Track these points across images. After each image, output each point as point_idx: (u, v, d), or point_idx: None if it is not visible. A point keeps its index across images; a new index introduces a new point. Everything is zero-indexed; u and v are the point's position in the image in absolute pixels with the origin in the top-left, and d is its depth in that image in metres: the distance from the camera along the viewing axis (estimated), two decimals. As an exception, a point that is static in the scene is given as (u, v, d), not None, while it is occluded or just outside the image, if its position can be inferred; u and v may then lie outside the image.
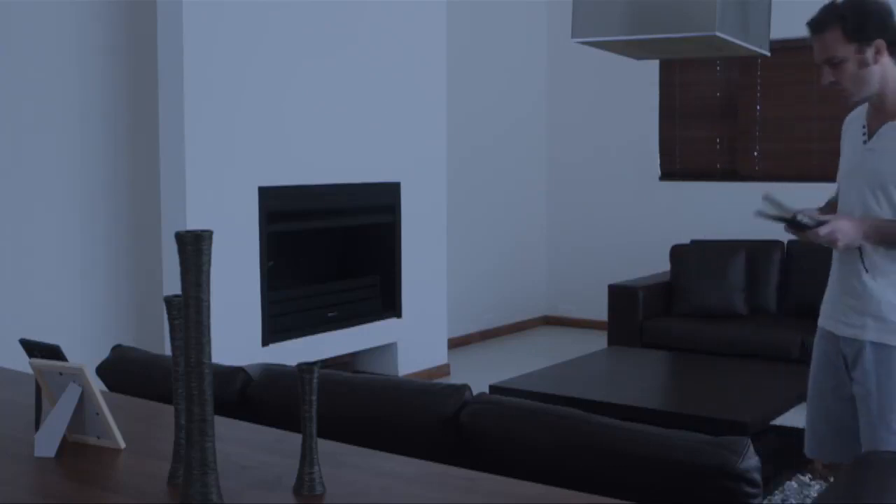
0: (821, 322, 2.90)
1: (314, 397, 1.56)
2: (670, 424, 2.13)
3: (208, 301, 1.36)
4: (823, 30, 2.66)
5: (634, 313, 6.08)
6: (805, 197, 7.33)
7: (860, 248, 2.70)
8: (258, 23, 4.97)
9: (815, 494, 3.96)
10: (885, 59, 2.65)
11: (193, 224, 4.66)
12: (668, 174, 7.65)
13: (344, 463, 1.71)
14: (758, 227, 6.83)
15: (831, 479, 4.06)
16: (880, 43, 2.62)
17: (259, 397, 2.43)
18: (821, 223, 2.64)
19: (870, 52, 2.63)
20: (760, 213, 2.70)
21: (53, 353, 1.90)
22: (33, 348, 1.92)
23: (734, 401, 4.12)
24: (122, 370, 2.66)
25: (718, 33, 3.88)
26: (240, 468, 1.68)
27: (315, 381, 1.55)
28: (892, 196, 2.65)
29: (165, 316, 4.86)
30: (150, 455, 1.77)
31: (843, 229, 2.63)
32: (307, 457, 1.54)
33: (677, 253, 6.44)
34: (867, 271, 2.70)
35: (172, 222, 4.71)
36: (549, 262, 8.31)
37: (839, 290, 2.81)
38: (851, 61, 2.64)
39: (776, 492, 3.99)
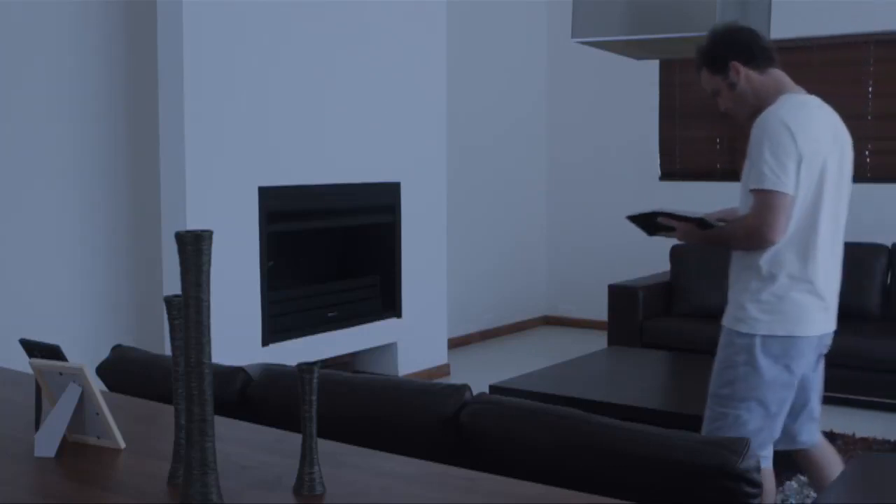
0: None
1: (314, 397, 1.56)
2: (670, 424, 2.13)
3: (208, 301, 1.36)
4: (699, 71, 3.08)
5: (634, 313, 6.07)
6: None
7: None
8: (258, 23, 4.97)
9: (816, 494, 3.96)
10: (748, 72, 2.96)
11: (193, 224, 4.66)
12: (668, 174, 7.65)
13: (344, 463, 1.71)
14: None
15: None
16: (735, 63, 2.95)
17: (259, 397, 2.43)
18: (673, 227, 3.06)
19: (732, 74, 2.96)
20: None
21: (53, 353, 1.90)
22: (33, 348, 1.92)
23: (734, 401, 4.11)
24: (122, 370, 2.66)
25: (718, 33, 3.87)
26: (240, 468, 1.68)
27: (315, 381, 1.55)
28: (746, 184, 2.88)
29: (165, 316, 4.86)
30: (150, 455, 1.77)
31: (683, 235, 3.04)
32: (307, 457, 1.54)
33: (677, 253, 6.44)
34: (731, 268, 3.00)
35: (172, 222, 4.71)
36: (549, 262, 8.31)
37: None
38: (723, 87, 3.00)
39: (776, 492, 3.98)
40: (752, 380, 2.83)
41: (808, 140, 2.78)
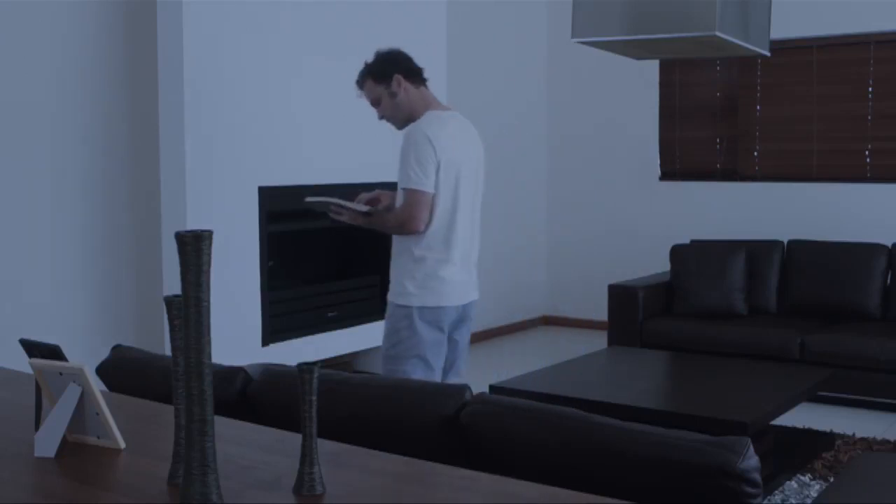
0: None
1: (314, 397, 1.56)
2: (670, 424, 2.13)
3: (208, 301, 1.36)
4: (363, 83, 3.55)
5: (634, 313, 6.08)
6: (803, 196, 7.32)
7: None
8: (258, 23, 4.97)
9: (815, 494, 3.96)
10: (408, 86, 3.52)
11: (193, 224, 4.66)
12: (668, 174, 7.65)
13: (344, 463, 1.71)
14: (758, 227, 6.85)
15: (831, 479, 4.07)
16: (398, 76, 3.50)
17: (259, 397, 2.43)
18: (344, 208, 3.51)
19: (394, 85, 3.50)
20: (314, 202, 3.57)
21: (53, 353, 1.90)
22: (33, 348, 1.92)
23: (734, 401, 4.12)
24: (122, 370, 2.66)
25: (718, 33, 3.88)
26: (240, 468, 1.68)
27: (315, 381, 1.56)
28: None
29: (165, 316, 4.86)
30: (150, 455, 1.77)
31: (351, 220, 3.53)
32: (307, 457, 1.54)
33: (677, 253, 6.44)
34: (392, 252, 3.55)
35: (172, 222, 4.71)
36: (549, 262, 8.31)
37: None
38: (385, 96, 3.52)
39: (776, 492, 3.99)
40: (412, 341, 3.48)
41: (444, 149, 3.39)
